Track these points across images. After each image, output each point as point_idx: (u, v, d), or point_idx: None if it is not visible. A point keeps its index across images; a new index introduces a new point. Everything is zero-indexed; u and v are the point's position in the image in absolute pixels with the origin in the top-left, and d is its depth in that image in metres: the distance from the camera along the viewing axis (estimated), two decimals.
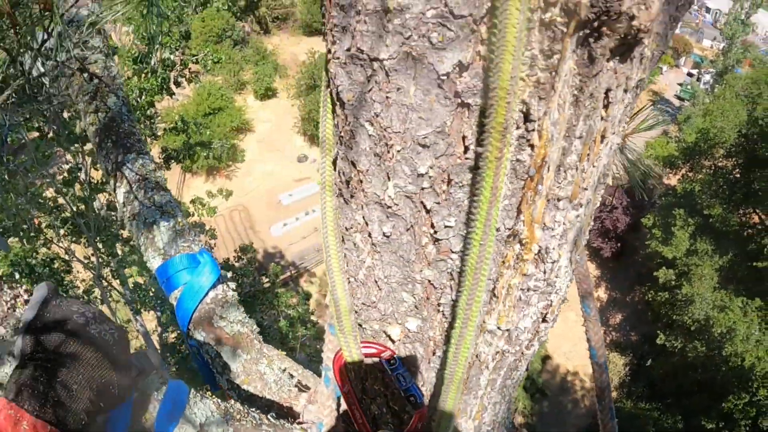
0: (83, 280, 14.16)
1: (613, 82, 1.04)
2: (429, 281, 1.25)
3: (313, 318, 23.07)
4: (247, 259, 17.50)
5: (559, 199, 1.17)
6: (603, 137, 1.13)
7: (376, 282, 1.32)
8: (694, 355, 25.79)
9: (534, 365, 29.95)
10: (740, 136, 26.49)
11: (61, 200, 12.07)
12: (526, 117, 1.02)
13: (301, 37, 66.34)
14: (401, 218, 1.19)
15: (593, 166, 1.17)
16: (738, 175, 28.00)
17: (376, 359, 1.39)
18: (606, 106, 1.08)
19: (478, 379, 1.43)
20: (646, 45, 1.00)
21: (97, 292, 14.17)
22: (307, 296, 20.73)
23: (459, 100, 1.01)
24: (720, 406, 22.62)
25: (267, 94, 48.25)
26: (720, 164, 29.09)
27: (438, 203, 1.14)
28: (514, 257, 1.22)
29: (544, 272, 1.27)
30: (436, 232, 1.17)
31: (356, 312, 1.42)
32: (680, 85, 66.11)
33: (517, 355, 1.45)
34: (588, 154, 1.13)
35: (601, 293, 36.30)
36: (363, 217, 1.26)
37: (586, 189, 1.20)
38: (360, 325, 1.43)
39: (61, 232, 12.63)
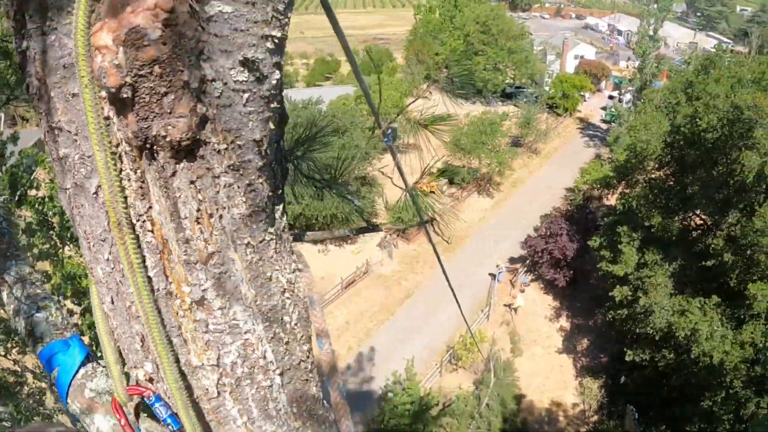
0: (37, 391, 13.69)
1: (194, 175, 1.39)
2: (139, 333, 1.66)
3: None
4: None
5: (193, 262, 1.50)
6: (211, 214, 1.46)
7: (121, 336, 1.75)
8: (664, 364, 26.07)
9: (510, 406, 29.74)
10: (666, 146, 27.42)
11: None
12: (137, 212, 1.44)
13: None
14: (113, 290, 1.63)
15: (213, 235, 1.49)
16: (672, 183, 28.87)
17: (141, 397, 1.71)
18: (200, 191, 1.42)
19: (227, 410, 1.72)
20: (213, 142, 1.37)
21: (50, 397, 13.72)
22: None
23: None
24: (700, 406, 22.77)
25: None
26: (653, 176, 29.96)
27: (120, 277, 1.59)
28: (180, 309, 1.56)
29: (219, 317, 1.59)
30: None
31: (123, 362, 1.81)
32: (603, 109, 68.43)
33: (260, 383, 1.73)
34: (200, 228, 1.47)
35: (563, 322, 36.55)
36: (97, 292, 1.74)
37: (216, 252, 1.51)
38: (126, 373, 1.80)
39: (8, 345, 12.25)
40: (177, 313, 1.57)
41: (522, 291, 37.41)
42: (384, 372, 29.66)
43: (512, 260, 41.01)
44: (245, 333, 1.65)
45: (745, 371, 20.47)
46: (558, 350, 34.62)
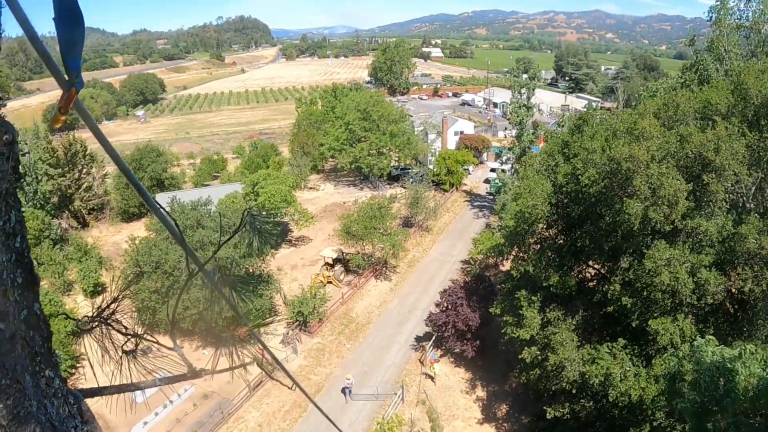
0: None
1: None
2: None
3: None
4: None
5: None
6: None
7: None
8: (585, 414, 26.32)
9: None
10: (552, 206, 28.45)
11: None
12: None
13: (120, 225, 65.02)
14: None
15: None
16: (562, 241, 29.87)
17: None
18: None
19: None
20: None
21: None
22: None
23: None
24: None
25: (96, 290, 45.97)
26: (543, 236, 30.87)
27: None
28: None
29: None
30: None
31: None
32: (487, 181, 70.99)
33: None
34: None
35: (479, 392, 36.51)
36: None
37: None
38: None
39: None
40: None
41: (434, 362, 37.30)
42: None
43: (418, 339, 41.01)
44: None
45: (664, 402, 20.90)
46: (478, 420, 34.39)
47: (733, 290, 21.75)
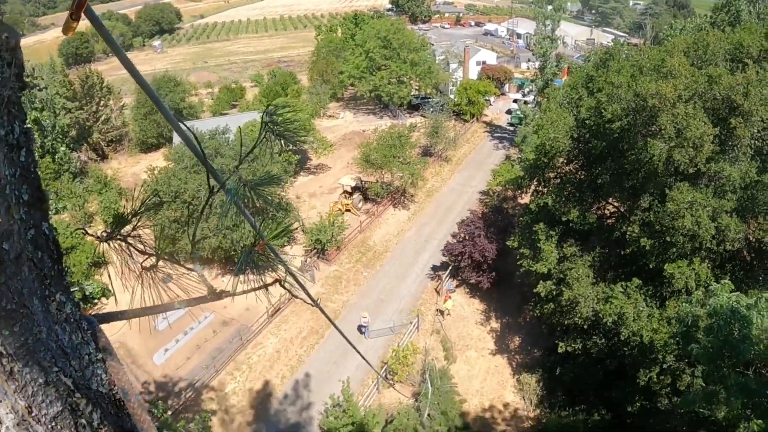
0: None
1: None
2: None
3: None
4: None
5: None
6: None
7: None
8: (596, 350, 26.62)
9: (452, 413, 29.75)
10: (573, 140, 28.08)
11: None
12: None
13: (139, 156, 65.23)
14: None
15: None
16: (582, 176, 29.57)
17: None
18: None
19: None
20: None
21: None
22: (207, 418, 19.59)
23: None
24: (637, 385, 23.29)
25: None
26: (564, 171, 30.59)
27: None
28: None
29: None
30: None
31: None
32: (509, 112, 70.01)
33: None
34: None
35: (493, 324, 36.93)
36: None
37: None
38: None
39: None
40: None
41: (449, 298, 37.58)
42: (321, 396, 29.20)
43: (434, 268, 41.30)
44: None
45: (676, 345, 21.05)
46: (492, 351, 34.92)
47: (751, 239, 21.53)
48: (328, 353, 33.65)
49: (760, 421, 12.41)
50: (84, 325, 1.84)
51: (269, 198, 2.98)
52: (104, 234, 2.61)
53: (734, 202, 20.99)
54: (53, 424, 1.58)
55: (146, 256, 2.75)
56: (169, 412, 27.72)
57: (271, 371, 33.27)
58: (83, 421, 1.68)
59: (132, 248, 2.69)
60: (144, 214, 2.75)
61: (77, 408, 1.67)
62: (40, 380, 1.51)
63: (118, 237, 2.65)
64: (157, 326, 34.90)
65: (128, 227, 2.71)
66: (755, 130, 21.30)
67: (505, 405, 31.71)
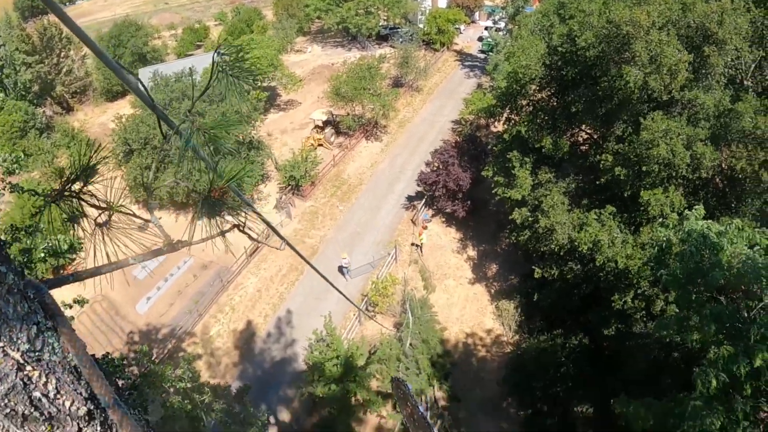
0: None
1: None
2: None
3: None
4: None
5: None
6: None
7: None
8: (572, 276, 27.07)
9: (433, 342, 30.30)
10: (545, 67, 27.84)
11: None
12: None
13: (105, 105, 63.75)
14: None
15: None
16: (555, 104, 29.48)
17: None
18: None
19: None
20: None
21: None
22: (192, 359, 19.74)
23: None
24: (613, 309, 23.79)
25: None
26: (536, 98, 30.45)
27: None
28: None
29: None
30: None
31: None
32: (480, 39, 69.17)
33: None
34: None
35: (470, 252, 37.38)
36: None
37: None
38: None
39: None
40: None
41: (425, 228, 37.83)
42: (305, 332, 29.55)
43: (410, 198, 41.44)
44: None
45: (649, 271, 21.42)
46: (470, 280, 35.43)
47: (724, 167, 21.70)
48: (308, 289, 33.94)
49: (731, 347, 12.70)
50: (30, 294, 1.77)
51: (225, 141, 2.90)
52: (54, 192, 2.52)
53: (708, 131, 21.04)
54: (5, 401, 1.52)
55: (100, 212, 2.66)
56: (154, 356, 27.94)
57: (254, 311, 33.56)
58: (37, 393, 1.63)
59: (86, 204, 2.60)
60: (92, 170, 2.65)
61: (30, 381, 1.61)
62: None
63: (70, 194, 2.55)
64: (137, 276, 34.91)
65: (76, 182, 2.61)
66: (728, 59, 21.24)
67: (488, 331, 32.38)
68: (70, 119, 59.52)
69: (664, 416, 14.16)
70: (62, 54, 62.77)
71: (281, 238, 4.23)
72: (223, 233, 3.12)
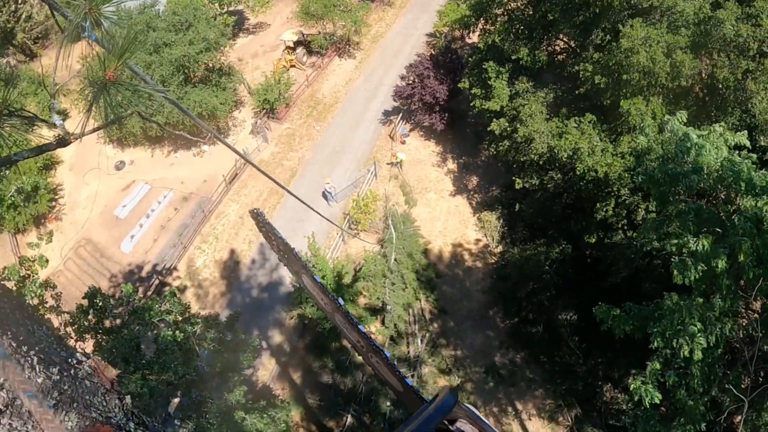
0: None
1: None
2: None
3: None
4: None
5: None
6: None
7: None
8: (553, 185, 27.27)
9: (417, 256, 30.72)
10: None
11: None
12: None
13: (69, 45, 61.81)
14: None
15: None
16: (530, 13, 28.87)
17: None
18: None
19: None
20: None
21: None
22: (175, 293, 19.78)
23: None
24: (594, 218, 24.10)
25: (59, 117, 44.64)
26: (511, 7, 29.81)
27: None
28: None
29: None
30: None
31: None
32: None
33: None
34: None
35: (450, 165, 37.42)
36: None
37: None
38: None
39: None
40: None
41: (403, 143, 37.67)
42: None
43: (386, 114, 41.05)
44: None
45: (629, 179, 21.60)
46: (451, 192, 35.64)
47: (704, 75, 21.53)
48: (290, 211, 33.97)
49: (710, 237, 12.87)
50: None
51: (111, 18, 2.80)
52: None
53: (688, 38, 20.77)
54: None
55: None
56: (140, 293, 28.00)
57: (237, 238, 33.66)
58: None
59: None
60: None
61: None
62: None
63: None
64: (119, 215, 34.68)
65: None
66: None
67: (474, 242, 32.83)
68: (35, 66, 57.67)
69: (644, 320, 14.49)
70: (19, 0, 60.20)
71: (250, 163, 4.12)
72: (120, 119, 3.01)
